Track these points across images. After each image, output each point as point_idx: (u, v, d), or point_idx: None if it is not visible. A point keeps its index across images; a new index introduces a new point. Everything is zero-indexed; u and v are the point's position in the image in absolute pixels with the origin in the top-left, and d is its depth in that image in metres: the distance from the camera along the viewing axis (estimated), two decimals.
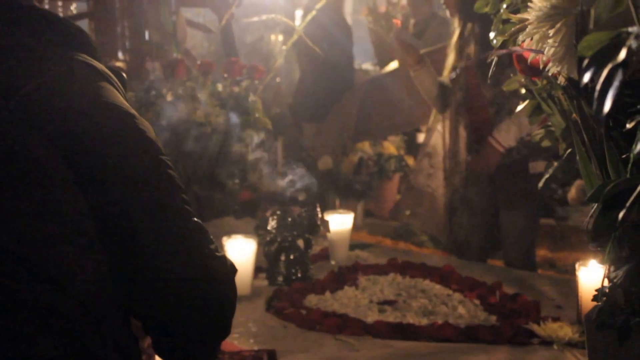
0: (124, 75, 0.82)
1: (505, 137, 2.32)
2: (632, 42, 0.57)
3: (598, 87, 0.57)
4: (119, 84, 0.78)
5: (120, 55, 2.31)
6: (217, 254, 0.77)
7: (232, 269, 0.80)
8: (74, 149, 0.68)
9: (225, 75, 2.14)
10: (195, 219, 0.75)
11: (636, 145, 0.66)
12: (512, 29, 0.91)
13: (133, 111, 0.74)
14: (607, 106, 0.55)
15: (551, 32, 0.81)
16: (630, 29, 0.58)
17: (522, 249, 2.44)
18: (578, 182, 3.66)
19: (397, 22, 3.51)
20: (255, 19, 2.54)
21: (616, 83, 0.55)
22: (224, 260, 0.78)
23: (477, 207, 2.46)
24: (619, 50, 0.56)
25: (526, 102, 1.37)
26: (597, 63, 0.58)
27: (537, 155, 2.34)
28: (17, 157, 0.67)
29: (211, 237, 0.78)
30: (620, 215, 0.66)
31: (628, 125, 0.66)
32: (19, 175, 0.67)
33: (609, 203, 0.70)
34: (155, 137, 0.75)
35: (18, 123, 0.67)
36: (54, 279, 0.66)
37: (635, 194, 0.65)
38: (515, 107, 2.30)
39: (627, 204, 0.65)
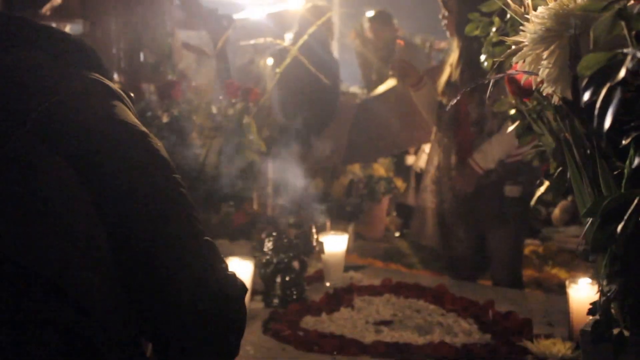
0: (132, 95, 0.84)
1: (484, 159, 2.35)
2: (629, 63, 0.61)
3: (598, 104, 0.60)
4: (130, 103, 0.79)
5: (115, 76, 2.32)
6: (228, 272, 0.77)
7: (242, 288, 0.80)
8: (89, 168, 0.69)
9: (221, 97, 2.17)
10: (207, 238, 0.76)
11: (632, 161, 0.68)
12: (507, 51, 0.94)
13: (146, 130, 0.76)
14: (608, 122, 0.58)
15: (545, 54, 0.84)
16: (625, 50, 0.62)
17: (509, 268, 2.47)
18: (562, 203, 3.72)
19: (401, 42, 3.58)
20: (252, 42, 2.57)
21: (616, 100, 0.58)
22: (235, 279, 0.79)
23: (465, 226, 2.50)
24: (617, 70, 0.59)
25: (516, 123, 1.41)
26: (597, 82, 0.61)
27: (513, 179, 2.38)
28: (33, 176, 0.67)
29: (222, 256, 0.78)
30: (619, 228, 0.68)
31: (624, 142, 0.69)
32: (35, 193, 0.67)
33: (607, 217, 0.72)
34: (167, 156, 0.76)
35: (34, 141, 0.68)
36: (72, 299, 0.66)
37: (632, 207, 0.68)
38: (496, 128, 2.35)
39: (625, 217, 0.68)
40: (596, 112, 0.59)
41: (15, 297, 0.65)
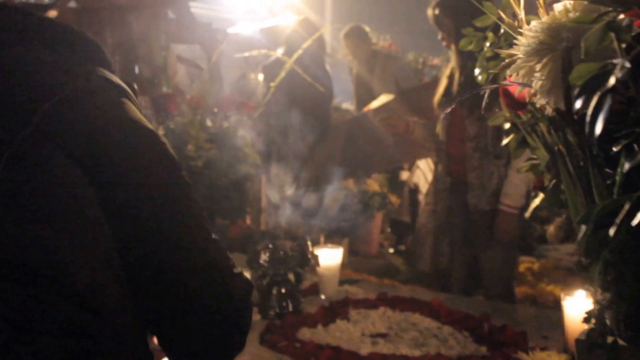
0: (135, 87, 0.83)
1: (513, 199, 2.31)
2: (618, 73, 0.63)
3: (589, 112, 0.62)
4: (134, 98, 0.79)
5: None
6: (235, 270, 0.77)
7: (248, 286, 0.80)
8: (96, 168, 0.69)
9: (216, 110, 2.19)
10: (214, 237, 0.76)
11: (622, 166, 0.70)
12: (502, 63, 0.96)
13: (152, 127, 0.75)
14: (599, 129, 0.60)
15: (538, 66, 0.86)
16: (615, 61, 0.64)
17: (502, 283, 2.48)
18: (557, 220, 3.74)
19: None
20: (247, 54, 2.60)
21: (606, 107, 0.60)
22: (242, 278, 0.78)
23: (458, 241, 2.51)
24: (607, 79, 0.61)
25: (511, 136, 1.43)
26: (588, 90, 0.63)
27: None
28: (40, 176, 0.67)
29: (228, 255, 0.78)
30: (612, 231, 0.70)
31: (614, 149, 0.71)
32: (41, 193, 0.67)
33: (600, 222, 0.74)
34: (174, 154, 0.76)
35: (41, 141, 0.67)
36: (80, 299, 0.66)
37: (624, 212, 0.69)
38: (490, 143, 2.37)
39: (617, 221, 0.69)
40: (588, 119, 0.61)
41: (21, 298, 0.64)
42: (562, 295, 1.55)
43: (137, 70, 2.36)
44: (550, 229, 3.52)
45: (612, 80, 0.59)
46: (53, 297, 0.65)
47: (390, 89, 3.72)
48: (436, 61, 5.17)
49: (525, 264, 3.50)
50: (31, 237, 0.65)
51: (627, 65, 0.63)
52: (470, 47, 1.62)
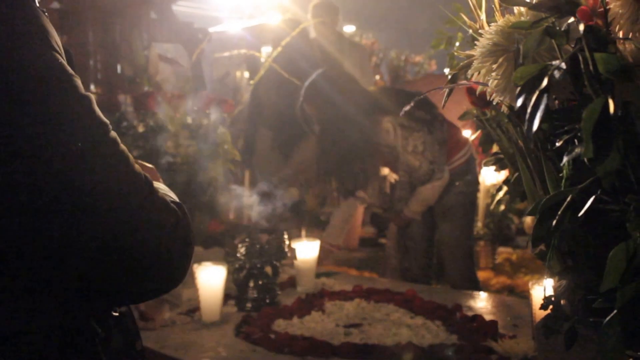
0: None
1: (409, 211, 2.55)
2: (556, 73, 0.68)
3: (529, 110, 0.67)
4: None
5: (92, 87, 2.37)
6: (154, 197, 0.68)
7: (174, 215, 0.70)
8: None
9: (196, 108, 2.22)
10: (122, 148, 0.68)
11: (566, 160, 0.75)
12: (461, 64, 1.01)
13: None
14: (536, 125, 0.65)
15: (494, 66, 0.91)
16: (553, 62, 0.69)
17: (462, 268, 2.59)
18: None
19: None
20: (227, 54, 2.63)
21: (542, 106, 0.65)
22: (164, 206, 0.69)
23: (417, 236, 2.63)
24: (543, 79, 0.66)
25: (478, 131, 1.48)
26: (527, 90, 0.68)
27: (460, 179, 2.53)
28: None
29: (150, 180, 0.70)
30: (553, 223, 0.75)
31: (557, 144, 0.76)
32: None
33: (545, 214, 0.79)
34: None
35: None
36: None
37: (565, 204, 0.75)
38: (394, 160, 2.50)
39: (559, 212, 0.74)
40: (526, 116, 0.66)
41: None
42: (530, 284, 1.61)
43: (119, 69, 2.39)
44: (527, 220, 3.58)
45: (545, 82, 0.64)
46: None
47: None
48: (418, 59, 5.24)
49: (503, 255, 3.58)
50: None
51: (563, 66, 0.68)
52: (442, 47, 1.67)
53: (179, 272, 0.72)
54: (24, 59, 0.63)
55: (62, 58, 0.67)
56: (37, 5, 0.67)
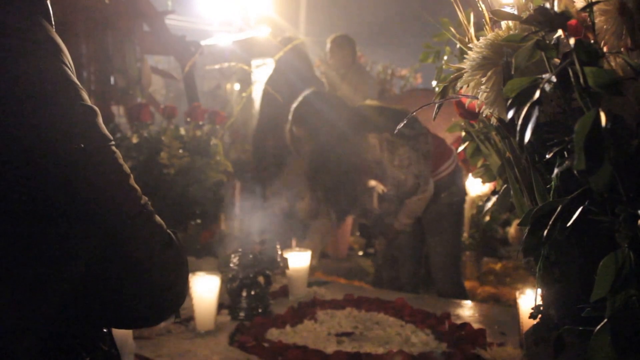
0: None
1: (397, 222, 2.57)
2: (546, 86, 0.71)
3: (520, 121, 0.70)
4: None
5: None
6: (151, 214, 0.71)
7: (165, 241, 0.71)
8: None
9: (188, 119, 2.24)
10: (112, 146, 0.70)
11: (557, 172, 0.78)
12: (450, 77, 1.04)
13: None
14: (527, 136, 0.68)
15: (483, 79, 0.94)
16: (544, 76, 0.72)
17: (450, 277, 2.62)
18: (517, 221, 3.86)
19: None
20: (217, 66, 2.66)
21: (533, 117, 0.68)
22: (158, 225, 0.71)
23: (405, 246, 2.66)
24: (535, 92, 0.69)
25: (466, 143, 1.52)
26: (519, 102, 0.71)
27: (446, 191, 2.57)
28: None
29: (148, 202, 0.72)
30: (545, 232, 0.78)
31: (547, 156, 0.80)
32: None
33: (536, 224, 0.82)
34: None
35: None
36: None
37: (555, 214, 0.78)
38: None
39: (549, 223, 0.77)
40: (518, 128, 0.69)
41: None
42: (517, 294, 1.64)
43: (112, 81, 2.41)
44: (511, 230, 3.63)
45: (537, 94, 0.67)
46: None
47: (361, 98, 3.82)
48: (404, 72, 5.30)
49: (488, 265, 3.62)
50: None
51: (553, 79, 0.71)
52: (430, 61, 1.71)
53: (172, 292, 0.73)
54: (34, 69, 0.65)
55: (72, 73, 0.70)
56: (52, 20, 0.70)
